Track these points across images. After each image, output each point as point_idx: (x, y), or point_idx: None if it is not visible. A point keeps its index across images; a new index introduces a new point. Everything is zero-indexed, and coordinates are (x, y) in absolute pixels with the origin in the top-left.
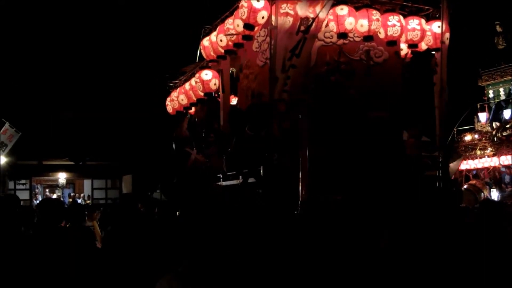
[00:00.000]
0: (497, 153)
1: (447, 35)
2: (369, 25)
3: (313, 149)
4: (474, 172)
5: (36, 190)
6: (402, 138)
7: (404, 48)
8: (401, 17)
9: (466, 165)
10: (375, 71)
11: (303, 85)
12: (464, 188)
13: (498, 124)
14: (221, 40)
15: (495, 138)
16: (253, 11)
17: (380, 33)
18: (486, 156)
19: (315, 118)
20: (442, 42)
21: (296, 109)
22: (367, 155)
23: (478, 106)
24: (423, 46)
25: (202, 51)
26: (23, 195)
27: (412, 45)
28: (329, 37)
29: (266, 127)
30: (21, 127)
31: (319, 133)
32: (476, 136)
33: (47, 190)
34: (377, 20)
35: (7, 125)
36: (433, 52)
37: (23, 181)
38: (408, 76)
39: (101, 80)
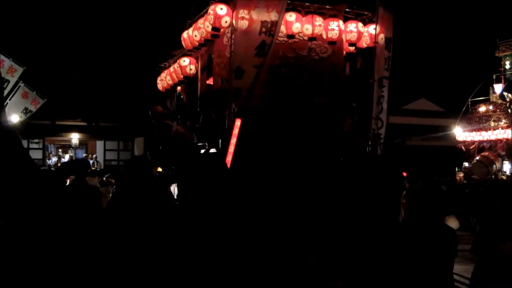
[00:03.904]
0: (511, 125)
1: (382, 36)
2: (313, 29)
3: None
4: (485, 144)
5: (51, 150)
6: (341, 119)
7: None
8: (341, 22)
9: (479, 136)
10: (321, 64)
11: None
12: (477, 160)
13: (511, 96)
14: (195, 36)
15: (509, 110)
16: (218, 17)
17: (323, 34)
18: (500, 128)
19: (267, 102)
20: (376, 42)
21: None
22: (311, 133)
23: (494, 77)
24: (364, 44)
25: (183, 42)
26: (37, 155)
27: (351, 44)
28: (282, 36)
29: (226, 110)
30: (35, 87)
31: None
32: (491, 107)
33: (60, 150)
34: (320, 25)
35: (23, 86)
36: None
37: (36, 141)
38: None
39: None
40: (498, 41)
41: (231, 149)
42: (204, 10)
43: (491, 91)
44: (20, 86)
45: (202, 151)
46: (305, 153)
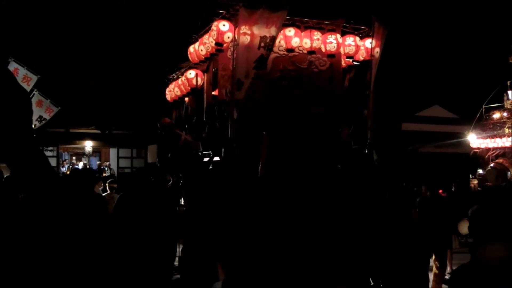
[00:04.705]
0: None
1: (377, 49)
2: (311, 43)
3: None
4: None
5: (65, 158)
6: (338, 129)
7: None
8: (339, 36)
9: (494, 143)
10: (320, 76)
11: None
12: (491, 167)
13: None
14: (201, 50)
15: None
16: (220, 33)
17: (321, 48)
18: None
19: (267, 113)
20: (372, 55)
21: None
22: (311, 143)
23: (508, 83)
24: (361, 57)
25: (189, 55)
26: (51, 162)
27: (349, 57)
28: (282, 50)
29: (229, 120)
30: (49, 95)
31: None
32: (505, 114)
33: (73, 158)
34: (318, 39)
35: (37, 94)
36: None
37: (50, 148)
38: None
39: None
40: None
41: (263, 160)
42: (208, 27)
43: (505, 98)
44: (34, 94)
45: (206, 159)
46: (304, 161)
